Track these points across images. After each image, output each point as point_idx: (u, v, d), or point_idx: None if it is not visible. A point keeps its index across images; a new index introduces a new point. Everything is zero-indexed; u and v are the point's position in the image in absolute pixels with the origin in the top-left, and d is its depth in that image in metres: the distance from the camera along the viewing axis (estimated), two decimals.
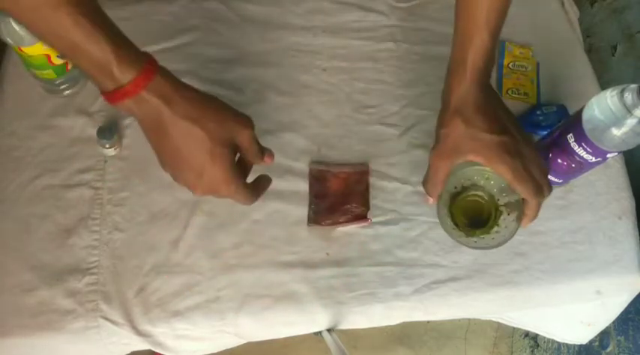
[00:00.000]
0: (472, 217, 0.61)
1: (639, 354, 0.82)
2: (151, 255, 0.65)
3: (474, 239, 0.59)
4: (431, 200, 0.60)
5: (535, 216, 0.57)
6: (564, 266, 0.68)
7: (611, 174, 0.73)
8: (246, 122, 0.52)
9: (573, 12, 0.90)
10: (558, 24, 0.86)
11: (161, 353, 0.65)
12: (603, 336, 0.89)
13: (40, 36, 0.45)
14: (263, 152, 0.56)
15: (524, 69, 0.80)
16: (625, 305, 0.72)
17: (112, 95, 0.46)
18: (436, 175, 0.57)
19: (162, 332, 0.62)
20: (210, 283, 0.64)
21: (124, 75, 0.45)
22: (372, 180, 0.70)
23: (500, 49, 0.81)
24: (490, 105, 0.56)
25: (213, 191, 0.52)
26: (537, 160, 0.55)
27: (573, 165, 0.62)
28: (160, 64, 0.49)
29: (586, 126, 0.56)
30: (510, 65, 0.80)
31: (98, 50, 0.44)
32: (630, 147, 0.55)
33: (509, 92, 0.77)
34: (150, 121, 0.48)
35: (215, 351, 0.68)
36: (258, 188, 0.57)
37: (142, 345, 0.63)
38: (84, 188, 0.68)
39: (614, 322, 0.76)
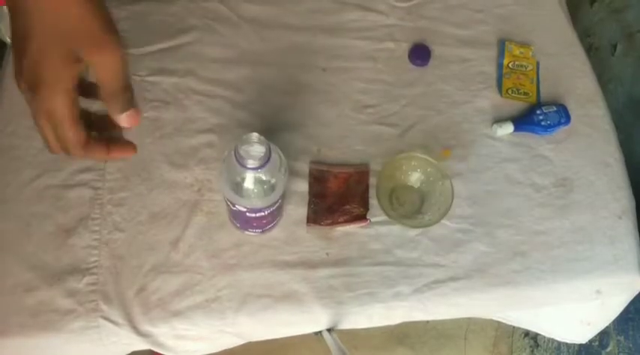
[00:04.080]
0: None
1: (639, 354, 0.82)
2: (151, 254, 0.65)
3: (406, 221, 0.67)
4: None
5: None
6: (564, 266, 0.68)
7: (611, 174, 0.73)
8: (117, 42, 0.41)
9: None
10: (558, 24, 0.86)
11: (161, 353, 0.65)
12: (603, 336, 0.89)
13: None
14: (130, 103, 0.44)
15: (524, 68, 0.79)
16: (625, 304, 0.72)
17: None
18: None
19: (163, 332, 0.62)
20: (210, 283, 0.64)
21: None
22: (372, 179, 0.70)
23: (500, 49, 0.81)
24: None
25: (33, 85, 0.41)
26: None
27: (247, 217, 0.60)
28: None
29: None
30: (510, 65, 0.80)
31: None
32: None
33: (509, 91, 0.77)
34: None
35: (215, 351, 0.68)
36: (99, 142, 0.45)
37: (142, 345, 0.63)
38: (84, 188, 0.68)
39: (613, 322, 0.76)
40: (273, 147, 0.54)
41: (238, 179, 0.54)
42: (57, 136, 0.43)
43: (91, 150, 0.45)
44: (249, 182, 0.54)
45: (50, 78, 0.41)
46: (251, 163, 0.51)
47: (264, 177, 0.54)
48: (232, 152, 0.52)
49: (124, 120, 0.44)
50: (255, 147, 0.52)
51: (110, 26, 0.42)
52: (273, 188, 0.56)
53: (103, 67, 0.42)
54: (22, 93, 0.42)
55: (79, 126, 0.43)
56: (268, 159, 0.52)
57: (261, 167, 0.52)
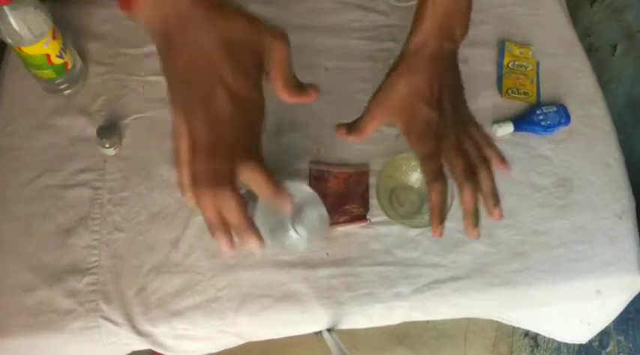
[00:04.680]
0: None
1: (639, 354, 0.82)
2: (151, 254, 0.65)
3: (406, 221, 0.66)
4: (351, 138, 0.56)
5: (438, 202, 0.51)
6: (564, 266, 0.68)
7: (611, 174, 0.73)
8: (282, 33, 0.43)
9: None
10: (558, 24, 0.85)
11: (161, 353, 0.65)
12: (603, 336, 0.89)
13: None
14: (301, 84, 0.47)
15: (524, 68, 0.79)
16: (625, 304, 0.72)
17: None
18: (371, 124, 0.55)
19: (162, 331, 0.62)
20: (210, 283, 0.64)
21: None
22: (372, 179, 0.70)
23: (500, 49, 0.81)
24: (442, 67, 0.53)
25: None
26: (455, 150, 0.51)
27: None
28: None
29: None
30: (510, 65, 0.80)
31: None
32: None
33: (509, 91, 0.77)
34: (169, 26, 0.40)
35: (215, 351, 0.68)
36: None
37: (142, 345, 0.63)
38: (84, 188, 0.68)
39: (613, 322, 0.76)
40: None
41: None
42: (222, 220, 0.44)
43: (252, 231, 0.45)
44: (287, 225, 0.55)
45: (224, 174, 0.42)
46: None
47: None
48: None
49: (311, 97, 0.48)
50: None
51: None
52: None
53: (279, 54, 0.43)
54: (189, 192, 0.43)
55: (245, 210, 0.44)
56: None
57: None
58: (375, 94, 0.54)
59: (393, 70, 0.54)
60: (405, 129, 0.53)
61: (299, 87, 0.46)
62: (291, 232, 0.55)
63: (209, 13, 0.40)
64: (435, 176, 0.50)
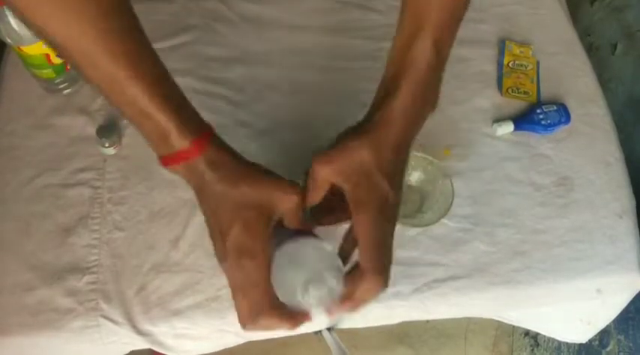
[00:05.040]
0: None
1: (639, 353, 0.82)
2: (151, 254, 0.64)
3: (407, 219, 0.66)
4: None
5: (365, 298, 0.47)
6: (564, 265, 0.68)
7: (612, 173, 0.73)
8: (293, 189, 0.47)
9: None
10: (558, 23, 0.85)
11: (161, 352, 0.65)
12: (603, 335, 0.89)
13: (109, 97, 0.46)
14: (309, 224, 0.52)
15: (524, 68, 0.79)
16: (625, 304, 0.72)
17: (165, 160, 0.47)
18: (317, 190, 0.49)
19: (163, 331, 0.62)
20: (210, 282, 0.63)
21: (179, 142, 0.45)
22: None
23: (500, 48, 0.81)
24: (403, 150, 0.49)
25: (241, 268, 0.45)
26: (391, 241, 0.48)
27: None
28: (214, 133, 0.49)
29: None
30: (510, 64, 0.80)
31: (162, 118, 0.45)
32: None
33: (509, 91, 0.77)
34: (197, 188, 0.48)
35: (215, 350, 0.68)
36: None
37: (142, 344, 0.63)
38: (84, 187, 0.68)
39: (614, 321, 0.76)
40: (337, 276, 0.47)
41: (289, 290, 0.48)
42: (251, 304, 0.46)
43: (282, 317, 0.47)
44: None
45: (253, 247, 0.46)
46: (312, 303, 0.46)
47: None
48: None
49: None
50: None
51: (279, 176, 0.49)
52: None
53: (288, 207, 0.48)
54: (226, 272, 0.47)
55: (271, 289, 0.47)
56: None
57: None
58: (323, 155, 0.48)
59: (350, 134, 0.49)
60: (355, 199, 0.47)
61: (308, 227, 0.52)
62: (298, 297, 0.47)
63: (228, 187, 0.46)
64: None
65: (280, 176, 0.49)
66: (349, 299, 0.47)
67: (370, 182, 0.46)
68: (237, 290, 0.47)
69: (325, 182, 0.48)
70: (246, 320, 0.46)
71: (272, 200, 0.47)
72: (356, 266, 0.47)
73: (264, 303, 0.46)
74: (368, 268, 0.45)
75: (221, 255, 0.47)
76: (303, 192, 0.49)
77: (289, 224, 0.50)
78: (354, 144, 0.47)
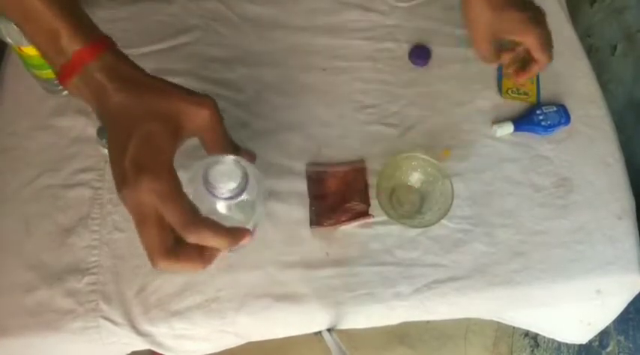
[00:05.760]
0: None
1: (639, 354, 0.82)
2: None
3: (406, 221, 0.67)
4: (494, 64, 0.76)
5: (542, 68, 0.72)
6: (564, 266, 0.68)
7: (611, 174, 0.73)
8: (204, 101, 0.44)
9: None
10: (558, 24, 0.85)
11: (161, 353, 0.65)
12: (603, 336, 0.89)
13: (1, 7, 0.43)
14: (237, 148, 0.47)
15: None
16: (625, 304, 0.72)
17: (62, 73, 0.43)
18: (489, 60, 0.73)
19: (162, 331, 0.62)
20: (210, 283, 0.64)
21: (71, 45, 0.42)
22: (372, 179, 0.70)
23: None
24: None
25: (136, 197, 0.40)
26: (547, 27, 0.69)
27: None
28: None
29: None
30: None
31: (50, 17, 0.42)
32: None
33: (509, 92, 0.77)
34: (98, 105, 0.43)
35: (215, 351, 0.68)
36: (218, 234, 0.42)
37: (142, 345, 0.63)
38: (84, 188, 0.68)
39: (614, 322, 0.76)
40: (249, 170, 0.45)
41: (210, 205, 0.46)
42: (162, 228, 0.41)
43: (201, 231, 0.41)
44: (222, 208, 0.46)
45: (155, 160, 0.41)
46: (224, 193, 0.43)
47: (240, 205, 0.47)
48: (200, 176, 0.44)
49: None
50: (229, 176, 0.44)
51: (191, 90, 0.45)
52: (251, 212, 0.48)
53: (201, 121, 0.44)
54: (123, 200, 0.41)
55: (192, 213, 0.41)
56: (244, 188, 0.44)
57: (235, 197, 0.44)
58: (475, 38, 0.71)
59: (470, 7, 0.69)
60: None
61: (235, 151, 0.47)
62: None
63: (128, 97, 0.42)
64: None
65: (192, 90, 0.44)
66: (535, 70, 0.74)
67: (509, 25, 0.68)
68: (142, 218, 0.40)
69: (488, 50, 0.72)
70: (159, 251, 0.40)
71: (179, 113, 0.42)
72: None
73: (189, 216, 0.40)
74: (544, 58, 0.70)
75: (120, 179, 0.41)
76: (216, 108, 0.44)
77: (207, 148, 0.45)
78: (474, 17, 0.70)
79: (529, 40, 0.68)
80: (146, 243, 0.41)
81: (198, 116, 0.44)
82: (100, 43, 0.44)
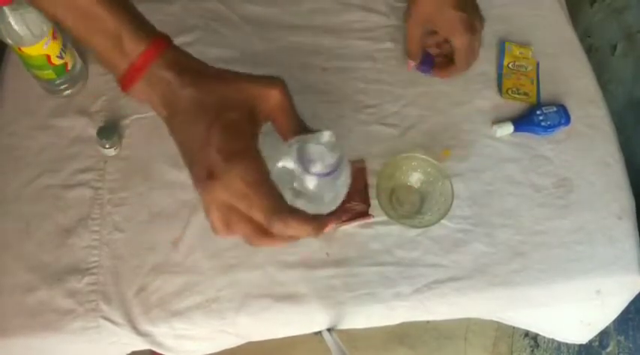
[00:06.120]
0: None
1: (639, 354, 0.82)
2: (151, 254, 0.65)
3: (406, 221, 0.67)
4: (411, 64, 0.74)
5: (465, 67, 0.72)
6: (564, 266, 0.68)
7: (611, 175, 0.73)
8: (273, 81, 0.44)
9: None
10: (558, 24, 0.86)
11: (161, 353, 0.65)
12: (603, 336, 0.89)
13: (52, 9, 0.42)
14: (308, 128, 0.46)
15: (524, 69, 0.79)
16: (625, 304, 0.72)
17: (126, 77, 0.42)
18: (412, 41, 0.72)
19: (162, 332, 0.62)
20: (210, 283, 0.64)
21: (136, 48, 0.41)
22: (372, 179, 0.70)
23: (500, 49, 0.81)
24: None
25: (226, 186, 0.39)
26: (480, 36, 0.70)
27: None
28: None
29: None
30: (510, 65, 0.80)
31: (112, 21, 0.41)
32: None
33: (509, 92, 0.77)
34: (165, 106, 0.43)
35: (215, 351, 0.68)
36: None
37: (142, 345, 0.63)
38: (84, 188, 0.68)
39: (614, 322, 0.76)
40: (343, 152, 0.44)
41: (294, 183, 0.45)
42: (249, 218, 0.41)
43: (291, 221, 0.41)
44: (313, 185, 0.45)
45: (241, 148, 0.40)
46: (322, 168, 0.42)
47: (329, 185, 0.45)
48: (294, 148, 0.42)
49: None
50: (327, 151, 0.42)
51: (257, 75, 0.44)
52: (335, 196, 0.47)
53: (273, 101, 0.43)
54: (211, 192, 0.40)
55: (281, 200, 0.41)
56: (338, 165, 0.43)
57: (332, 173, 0.43)
58: (409, 19, 0.70)
59: None
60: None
61: (305, 131, 0.46)
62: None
63: (198, 91, 0.41)
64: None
65: (256, 74, 0.44)
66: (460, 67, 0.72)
67: (443, 19, 0.68)
68: (237, 201, 0.40)
69: (419, 36, 0.71)
70: (256, 234, 0.41)
71: (252, 98, 0.42)
72: None
73: (276, 205, 0.40)
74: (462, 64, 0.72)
75: (205, 174, 0.40)
76: (286, 89, 0.44)
77: (280, 129, 0.45)
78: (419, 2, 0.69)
79: (456, 42, 0.68)
80: (241, 230, 0.41)
81: (271, 97, 0.43)
82: (161, 40, 0.42)
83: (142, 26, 0.42)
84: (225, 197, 0.40)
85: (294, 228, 0.41)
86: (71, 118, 0.72)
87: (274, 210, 0.40)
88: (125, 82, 0.42)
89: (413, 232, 0.68)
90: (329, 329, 0.66)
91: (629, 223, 0.71)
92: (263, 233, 0.41)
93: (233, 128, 0.40)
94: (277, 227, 0.40)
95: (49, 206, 0.66)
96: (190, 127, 0.41)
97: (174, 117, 0.42)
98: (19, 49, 0.64)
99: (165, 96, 0.42)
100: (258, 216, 0.40)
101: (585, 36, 1.05)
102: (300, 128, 0.46)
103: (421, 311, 0.66)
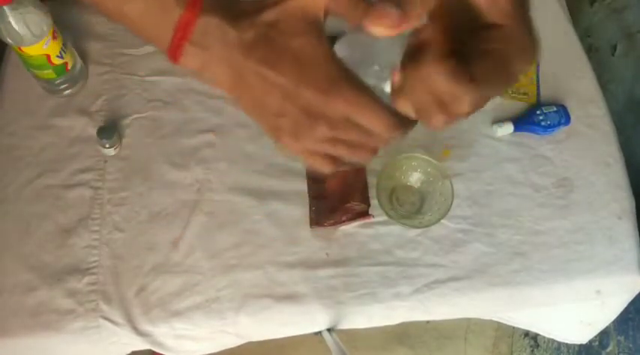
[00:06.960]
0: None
1: (639, 354, 0.82)
2: (151, 254, 0.65)
3: (405, 221, 0.67)
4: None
5: None
6: (564, 266, 0.68)
7: (611, 174, 0.73)
8: None
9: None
10: (558, 24, 0.85)
11: (161, 352, 0.65)
12: (603, 336, 0.89)
13: None
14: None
15: None
16: (625, 304, 0.72)
17: (174, 41, 0.38)
18: None
19: (162, 331, 0.62)
20: (210, 283, 0.64)
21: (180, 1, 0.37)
22: (372, 179, 0.70)
23: None
24: None
25: (321, 96, 0.37)
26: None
27: None
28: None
29: None
30: None
31: None
32: None
33: (510, 92, 0.77)
34: (229, 55, 0.39)
35: (215, 351, 0.68)
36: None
37: (142, 345, 0.63)
38: (84, 188, 0.68)
39: (613, 322, 0.76)
40: None
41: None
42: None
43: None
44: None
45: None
46: None
47: None
48: None
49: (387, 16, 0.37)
50: None
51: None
52: None
53: None
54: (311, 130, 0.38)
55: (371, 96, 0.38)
56: None
57: None
58: None
59: None
60: None
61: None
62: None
63: (255, 30, 0.38)
64: None
65: None
66: None
67: None
68: (341, 134, 0.38)
69: None
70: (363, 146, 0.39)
71: (304, 6, 0.38)
72: None
73: (387, 117, 0.39)
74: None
75: (301, 118, 0.38)
76: None
77: (336, 6, 0.39)
78: None
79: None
80: (359, 156, 0.40)
81: None
82: None
83: None
84: (330, 127, 0.38)
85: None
86: (71, 118, 0.71)
87: (393, 122, 0.39)
88: (173, 49, 0.38)
89: (413, 232, 0.68)
90: (329, 329, 0.66)
91: (629, 223, 0.71)
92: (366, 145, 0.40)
93: (312, 53, 0.38)
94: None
95: (49, 206, 0.66)
96: (263, 71, 0.38)
97: (233, 73, 0.39)
98: (19, 48, 0.64)
99: (220, 54, 0.38)
100: (377, 125, 0.39)
101: (585, 36, 1.05)
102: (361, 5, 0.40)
103: (421, 311, 0.66)
